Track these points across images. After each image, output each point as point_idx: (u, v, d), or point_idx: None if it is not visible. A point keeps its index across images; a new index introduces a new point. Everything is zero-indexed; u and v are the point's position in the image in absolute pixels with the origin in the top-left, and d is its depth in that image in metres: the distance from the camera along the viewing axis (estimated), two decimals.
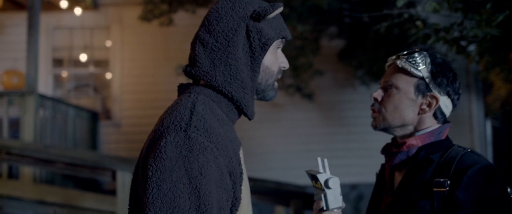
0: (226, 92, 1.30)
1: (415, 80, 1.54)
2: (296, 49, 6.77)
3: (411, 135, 1.57)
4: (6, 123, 5.51)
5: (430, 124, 1.58)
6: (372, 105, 1.61)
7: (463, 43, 2.86)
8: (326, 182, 1.46)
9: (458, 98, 1.60)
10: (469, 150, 1.52)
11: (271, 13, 1.31)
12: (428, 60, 1.54)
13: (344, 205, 1.48)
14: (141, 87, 7.99)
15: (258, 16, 1.30)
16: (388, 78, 1.59)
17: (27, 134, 5.39)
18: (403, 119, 1.55)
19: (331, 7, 5.94)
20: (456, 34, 2.83)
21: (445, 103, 1.57)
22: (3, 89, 6.45)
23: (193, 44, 1.36)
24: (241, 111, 1.35)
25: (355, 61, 7.07)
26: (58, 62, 8.38)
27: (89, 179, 6.26)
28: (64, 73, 8.45)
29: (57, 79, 8.48)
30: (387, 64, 1.64)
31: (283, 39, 1.39)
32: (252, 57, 1.32)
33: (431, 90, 1.54)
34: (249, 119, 1.38)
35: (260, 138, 7.70)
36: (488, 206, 1.38)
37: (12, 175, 5.45)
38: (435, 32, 2.88)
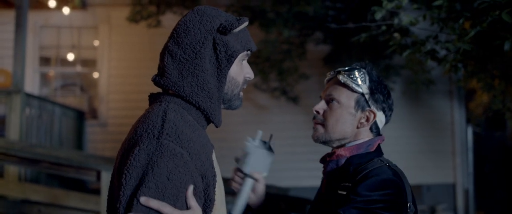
0: (194, 102, 1.37)
1: (355, 95, 1.63)
2: (282, 53, 6.86)
3: (343, 145, 1.67)
4: None
5: (365, 137, 1.66)
6: (314, 117, 1.70)
7: (438, 55, 2.97)
8: (249, 148, 1.68)
9: (390, 115, 1.70)
10: (387, 164, 1.60)
11: (237, 27, 1.38)
12: (367, 77, 1.63)
13: (261, 176, 1.70)
14: (128, 88, 8.03)
15: (224, 30, 1.37)
16: (330, 92, 1.67)
17: (13, 132, 5.41)
18: (343, 132, 1.64)
19: (316, 13, 6.04)
20: (431, 46, 2.93)
21: (380, 119, 1.67)
22: None
23: (162, 55, 1.41)
24: (208, 119, 1.43)
25: (340, 66, 7.16)
26: (45, 61, 8.38)
27: (74, 178, 6.29)
28: (51, 72, 8.47)
29: (44, 78, 8.48)
30: (327, 78, 1.73)
31: (249, 51, 1.45)
32: (218, 69, 1.38)
33: (369, 106, 1.63)
34: (216, 127, 1.46)
35: (245, 140, 7.77)
36: (371, 211, 1.48)
37: None
38: (412, 44, 2.99)
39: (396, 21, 2.97)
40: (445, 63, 3.11)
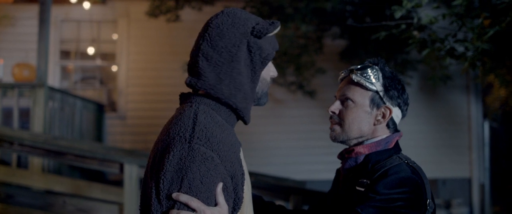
0: (231, 104, 1.42)
1: (370, 93, 1.64)
2: (299, 47, 6.90)
3: (362, 142, 1.68)
4: (16, 114, 5.68)
5: (382, 133, 1.68)
6: (330, 117, 1.72)
7: (457, 53, 3.00)
8: None
9: (406, 109, 1.71)
10: (406, 162, 1.60)
11: (271, 32, 1.44)
12: (380, 74, 1.64)
13: None
14: (146, 81, 8.15)
15: (259, 34, 1.41)
16: (344, 92, 1.68)
17: (37, 125, 5.55)
18: (361, 131, 1.66)
19: (334, 9, 6.07)
20: (450, 45, 2.97)
21: (396, 114, 1.68)
22: (14, 81, 6.61)
23: (195, 57, 1.43)
24: (241, 117, 1.48)
25: (356, 61, 7.21)
26: (65, 54, 8.53)
27: (94, 170, 6.43)
28: (71, 65, 8.62)
29: (64, 71, 8.64)
30: (340, 77, 1.74)
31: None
32: (253, 71, 1.44)
33: (384, 103, 1.65)
34: (246, 124, 1.52)
35: (262, 133, 7.86)
36: (390, 209, 1.50)
37: (21, 164, 5.61)
38: (431, 42, 3.02)
39: (415, 20, 3.01)
40: (463, 60, 3.15)
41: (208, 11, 7.35)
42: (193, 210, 1.25)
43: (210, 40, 1.42)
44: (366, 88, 1.63)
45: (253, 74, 1.45)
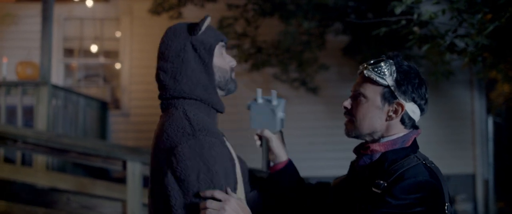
0: (194, 97, 1.59)
1: (381, 88, 1.59)
2: (301, 44, 6.91)
3: (377, 140, 1.63)
4: (20, 112, 5.71)
5: (397, 130, 1.62)
6: (345, 113, 1.69)
7: (457, 48, 3.00)
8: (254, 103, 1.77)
9: (425, 103, 1.64)
10: (423, 162, 1.57)
11: (202, 26, 1.61)
12: (394, 68, 1.58)
13: (269, 133, 1.77)
14: (150, 78, 8.08)
15: (194, 31, 1.61)
16: (357, 87, 1.66)
17: (41, 123, 5.58)
18: (372, 127, 1.61)
19: (336, 5, 6.07)
20: (450, 40, 2.97)
21: (412, 109, 1.61)
22: (17, 79, 6.65)
23: (157, 76, 1.64)
24: (213, 108, 1.64)
25: (359, 56, 7.20)
26: (68, 52, 8.57)
27: (98, 167, 6.47)
28: (75, 63, 8.65)
29: (68, 69, 8.67)
30: (358, 71, 1.69)
31: (223, 42, 1.68)
32: (203, 64, 1.61)
33: (396, 98, 1.58)
34: (221, 112, 1.68)
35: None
36: None
37: (25, 162, 5.65)
38: (432, 38, 3.02)
39: (415, 15, 3.01)
40: (464, 56, 3.15)
41: (211, 8, 7.36)
42: (219, 200, 1.39)
43: (161, 55, 1.64)
44: (377, 84, 1.58)
45: (205, 67, 1.62)
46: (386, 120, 1.61)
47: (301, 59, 6.99)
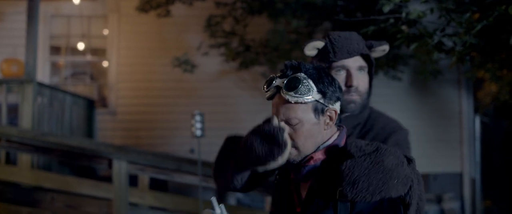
0: None
1: (310, 105, 1.54)
2: (290, 43, 6.89)
3: (318, 148, 1.60)
4: (4, 110, 5.63)
5: (332, 133, 1.62)
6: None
7: (445, 47, 3.00)
8: None
9: (340, 91, 1.62)
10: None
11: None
12: (310, 81, 1.54)
13: None
14: (137, 76, 8.10)
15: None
16: (284, 115, 1.57)
17: (26, 121, 5.51)
18: (316, 143, 1.58)
19: (325, 4, 6.06)
20: (438, 39, 2.96)
21: (338, 107, 1.62)
22: (2, 77, 6.56)
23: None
24: None
25: None
26: (55, 50, 8.47)
27: (85, 166, 6.41)
28: (61, 61, 8.56)
29: (54, 67, 8.58)
30: (269, 94, 1.62)
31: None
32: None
33: (326, 106, 1.56)
34: None
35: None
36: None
37: (10, 160, 5.57)
38: (420, 36, 3.02)
39: (404, 14, 3.00)
40: (452, 55, 3.15)
41: (199, 6, 7.32)
42: None
43: None
44: (306, 103, 1.53)
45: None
46: (325, 129, 1.58)
47: (289, 57, 6.96)
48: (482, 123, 9.11)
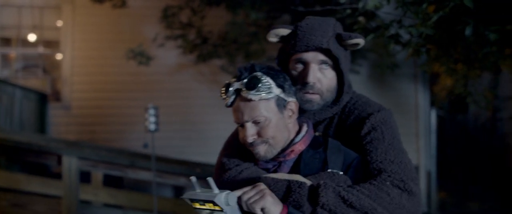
0: None
1: (271, 101, 1.58)
2: (249, 35, 6.82)
3: (293, 141, 1.64)
4: None
5: (297, 124, 1.69)
6: (251, 145, 1.62)
7: (402, 39, 2.98)
8: (226, 200, 1.48)
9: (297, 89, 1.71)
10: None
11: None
12: (268, 78, 1.58)
13: None
14: (92, 69, 7.87)
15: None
16: (249, 116, 1.59)
17: None
18: (286, 136, 1.63)
19: None
20: (395, 31, 2.95)
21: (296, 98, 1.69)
22: None
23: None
24: None
25: None
26: (5, 42, 8.14)
27: (36, 162, 6.16)
28: (12, 53, 8.22)
29: (4, 59, 8.24)
30: (229, 101, 1.62)
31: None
32: None
33: (286, 100, 1.62)
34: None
35: (214, 122, 7.73)
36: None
37: None
38: (376, 28, 2.99)
39: (361, 4, 2.97)
40: (408, 47, 3.14)
41: None
42: None
43: None
44: (268, 99, 1.58)
45: None
46: (289, 123, 1.64)
47: (248, 50, 6.90)
48: (438, 117, 9.29)
